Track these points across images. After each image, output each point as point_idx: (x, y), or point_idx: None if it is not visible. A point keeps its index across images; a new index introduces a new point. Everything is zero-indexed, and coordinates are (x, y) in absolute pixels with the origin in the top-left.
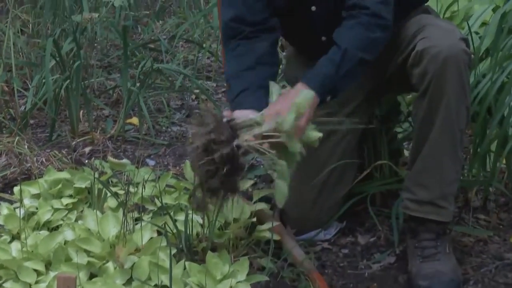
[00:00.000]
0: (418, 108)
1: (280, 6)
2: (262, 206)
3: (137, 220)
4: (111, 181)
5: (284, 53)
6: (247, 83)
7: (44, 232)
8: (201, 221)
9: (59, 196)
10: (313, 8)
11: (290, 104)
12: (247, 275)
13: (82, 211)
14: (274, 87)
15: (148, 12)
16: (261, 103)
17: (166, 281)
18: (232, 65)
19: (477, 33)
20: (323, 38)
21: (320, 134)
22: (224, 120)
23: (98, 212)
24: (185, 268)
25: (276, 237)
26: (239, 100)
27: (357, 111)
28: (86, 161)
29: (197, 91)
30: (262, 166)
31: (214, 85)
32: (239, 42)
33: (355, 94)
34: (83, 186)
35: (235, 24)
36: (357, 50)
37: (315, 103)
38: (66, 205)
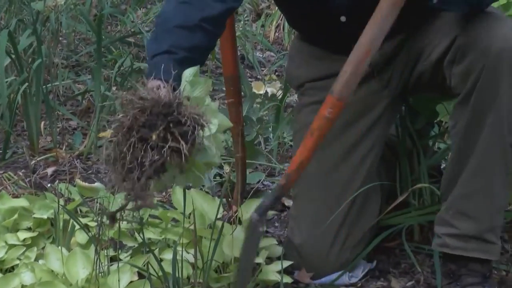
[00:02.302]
0: (459, 116)
1: None
2: (270, 241)
3: (113, 259)
4: (80, 211)
5: (261, 55)
6: (176, 45)
7: None
8: (193, 260)
9: (14, 229)
10: None
11: None
12: None
13: (43, 248)
14: (191, 77)
15: None
16: (176, 80)
17: None
18: (169, 9)
19: None
20: (342, 19)
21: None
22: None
23: (63, 249)
24: None
25: (287, 279)
26: (157, 61)
27: (379, 122)
28: (49, 185)
29: None
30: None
31: (211, 89)
32: None
33: (378, 100)
34: (45, 216)
35: None
36: None
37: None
38: (24, 240)
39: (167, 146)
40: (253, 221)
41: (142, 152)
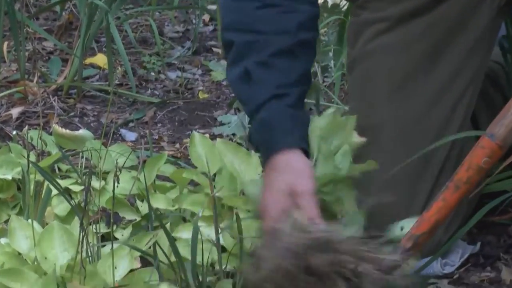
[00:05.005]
0: None
1: None
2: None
3: (106, 238)
4: (59, 169)
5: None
6: (281, 78)
7: None
8: (220, 240)
9: None
10: None
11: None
12: None
13: (6, 222)
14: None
15: None
16: (304, 136)
17: None
18: (250, 17)
19: None
20: None
21: None
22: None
23: (35, 224)
24: None
25: None
26: (270, 117)
27: (479, 46)
28: (14, 132)
29: (212, 7)
30: None
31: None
32: None
33: (476, 15)
34: (9, 177)
35: None
36: None
37: None
38: None
39: None
40: None
41: None
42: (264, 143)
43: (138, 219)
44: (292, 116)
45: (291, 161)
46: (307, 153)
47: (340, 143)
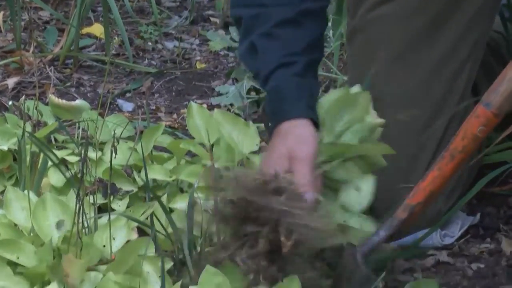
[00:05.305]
0: None
1: None
2: None
3: (102, 209)
4: (55, 139)
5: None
6: (287, 47)
7: None
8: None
9: None
10: None
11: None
12: None
13: (2, 193)
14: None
15: None
16: (313, 106)
17: None
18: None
19: None
20: None
21: None
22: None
23: (31, 195)
24: None
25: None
26: (278, 87)
27: (480, 14)
28: (10, 102)
29: None
30: None
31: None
32: None
33: None
34: (5, 147)
35: None
36: None
37: None
38: None
39: None
40: (358, 263)
41: None
42: (274, 112)
43: (135, 190)
44: (299, 85)
45: (295, 128)
46: (315, 123)
47: (351, 119)
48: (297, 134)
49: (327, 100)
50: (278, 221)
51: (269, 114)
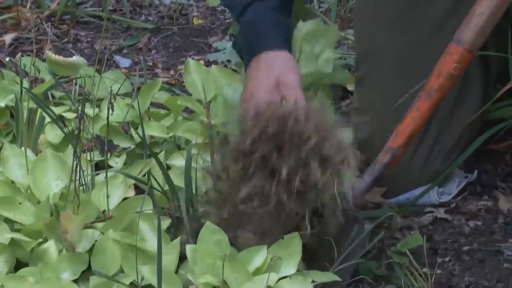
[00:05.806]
0: None
1: None
2: None
3: (100, 166)
4: (52, 96)
5: None
6: None
7: None
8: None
9: None
10: None
11: None
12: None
13: None
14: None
15: None
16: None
17: (150, 277)
18: None
19: None
20: None
21: None
22: None
23: (28, 152)
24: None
25: None
26: (253, 19)
27: None
28: (7, 59)
29: None
30: None
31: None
32: None
33: None
34: (2, 104)
35: None
36: None
37: None
38: None
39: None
40: (348, 213)
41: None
42: (249, 44)
43: (133, 146)
44: (275, 18)
45: (278, 57)
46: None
47: (322, 48)
48: (283, 63)
49: (304, 28)
50: (308, 145)
51: (244, 46)
